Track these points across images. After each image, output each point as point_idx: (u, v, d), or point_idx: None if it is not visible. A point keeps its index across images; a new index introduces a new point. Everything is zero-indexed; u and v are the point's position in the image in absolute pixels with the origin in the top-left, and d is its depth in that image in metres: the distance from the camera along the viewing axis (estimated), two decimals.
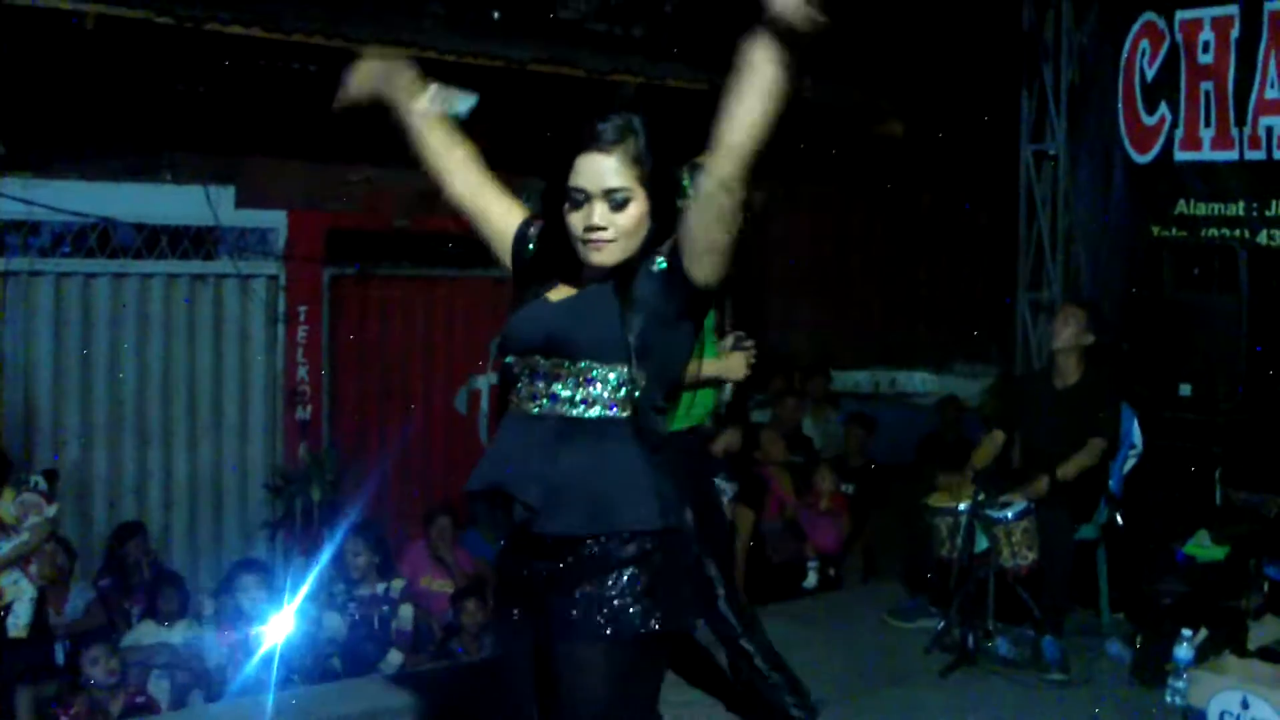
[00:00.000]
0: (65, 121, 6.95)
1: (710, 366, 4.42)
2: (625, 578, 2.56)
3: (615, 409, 2.59)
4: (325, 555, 6.62)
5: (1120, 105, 7.26)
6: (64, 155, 7.22)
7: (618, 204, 2.60)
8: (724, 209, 2.48)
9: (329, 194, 8.12)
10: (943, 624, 5.66)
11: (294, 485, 7.69)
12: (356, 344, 8.22)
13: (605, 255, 2.62)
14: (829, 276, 10.22)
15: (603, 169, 2.60)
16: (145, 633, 6.36)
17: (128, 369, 7.56)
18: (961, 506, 5.62)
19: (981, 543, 5.56)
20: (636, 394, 2.58)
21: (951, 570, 5.64)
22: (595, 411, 2.59)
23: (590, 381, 2.58)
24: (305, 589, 6.29)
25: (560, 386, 2.60)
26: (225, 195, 7.76)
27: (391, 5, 8.33)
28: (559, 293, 2.70)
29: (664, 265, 2.60)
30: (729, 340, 4.60)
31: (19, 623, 5.89)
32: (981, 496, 5.58)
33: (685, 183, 4.68)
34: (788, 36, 2.40)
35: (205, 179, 7.67)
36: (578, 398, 2.59)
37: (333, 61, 7.15)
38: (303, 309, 7.99)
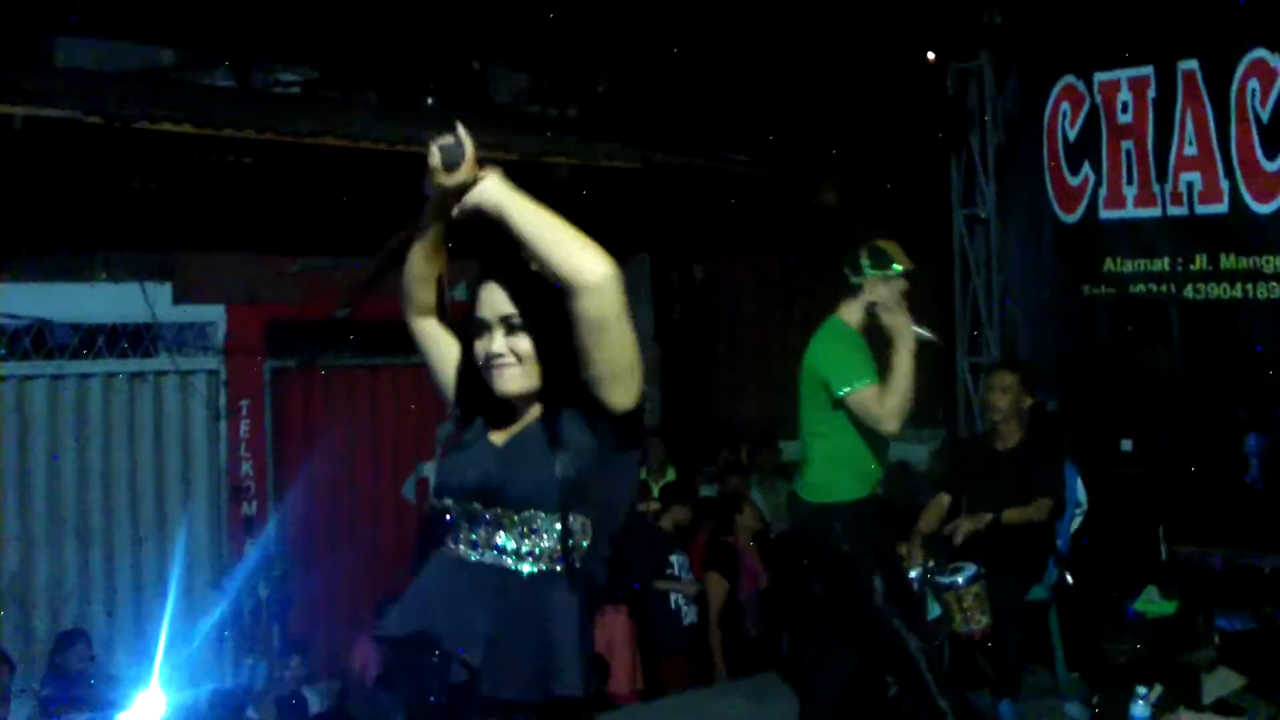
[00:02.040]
0: None
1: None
2: None
3: (558, 562, 2.50)
4: None
5: (1045, 167, 7.41)
6: None
7: (514, 328, 2.56)
8: (601, 323, 2.41)
9: (267, 286, 8.08)
10: (896, 691, 5.63)
11: (241, 583, 7.57)
12: (301, 436, 8.15)
13: (510, 382, 2.57)
14: (773, 347, 10.27)
15: (498, 298, 2.57)
16: None
17: (67, 471, 7.44)
18: (913, 574, 5.62)
19: (933, 610, 5.56)
20: (582, 543, 2.52)
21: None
22: (537, 566, 2.51)
23: (534, 532, 2.51)
24: None
25: (503, 537, 2.52)
26: (162, 291, 7.70)
27: (324, 95, 8.39)
28: (499, 435, 2.64)
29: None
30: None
31: None
32: (931, 563, 5.59)
33: (864, 261, 4.83)
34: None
35: (141, 275, 7.61)
36: (522, 549, 2.51)
37: (265, 154, 7.25)
38: (245, 403, 7.92)
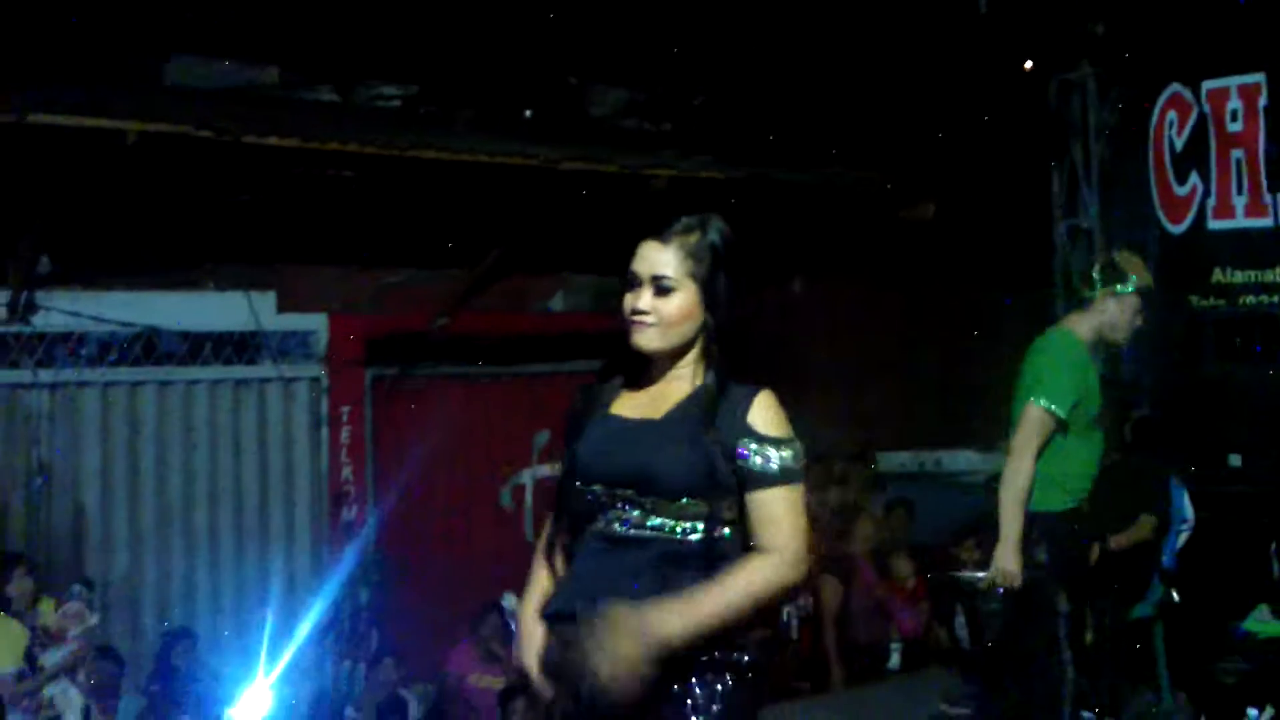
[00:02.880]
0: (109, 235, 7.10)
1: None
2: (709, 703, 2.56)
3: (713, 532, 2.60)
4: None
5: (1151, 176, 7.27)
6: (109, 267, 7.36)
7: (663, 291, 2.64)
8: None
9: (369, 296, 8.23)
10: (1000, 710, 5.54)
11: (341, 588, 7.68)
12: (400, 443, 8.26)
13: (643, 338, 2.66)
14: (868, 361, 10.19)
15: (656, 257, 2.66)
16: None
17: (174, 476, 7.62)
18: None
19: None
20: (728, 526, 2.61)
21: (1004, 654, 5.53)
22: (695, 535, 2.60)
23: (687, 517, 2.59)
24: None
25: (657, 519, 2.60)
26: (266, 301, 7.87)
27: (422, 109, 8.50)
28: (629, 406, 2.72)
29: (743, 458, 2.60)
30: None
31: None
32: None
33: (1096, 275, 4.74)
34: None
35: (246, 285, 7.79)
36: (678, 528, 2.60)
37: (366, 168, 7.37)
38: (345, 410, 8.05)
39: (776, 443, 2.61)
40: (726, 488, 2.60)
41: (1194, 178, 7.06)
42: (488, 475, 8.64)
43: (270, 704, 6.06)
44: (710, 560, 2.58)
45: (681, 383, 2.70)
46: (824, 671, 7.54)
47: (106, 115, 6.45)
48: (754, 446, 2.59)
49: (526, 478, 8.68)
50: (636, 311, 2.66)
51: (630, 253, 2.71)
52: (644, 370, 2.73)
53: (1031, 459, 4.64)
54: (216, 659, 7.37)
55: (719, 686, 2.56)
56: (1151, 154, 7.27)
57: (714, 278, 2.66)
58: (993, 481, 8.74)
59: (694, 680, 2.55)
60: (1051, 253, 7.95)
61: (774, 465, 2.58)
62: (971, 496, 8.94)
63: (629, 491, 2.62)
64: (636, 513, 2.61)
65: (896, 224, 9.33)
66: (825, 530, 7.92)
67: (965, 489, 9.23)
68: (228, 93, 7.93)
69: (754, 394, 2.64)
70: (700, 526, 2.59)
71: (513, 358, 8.61)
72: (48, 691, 5.91)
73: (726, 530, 2.61)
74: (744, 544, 2.62)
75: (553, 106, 9.07)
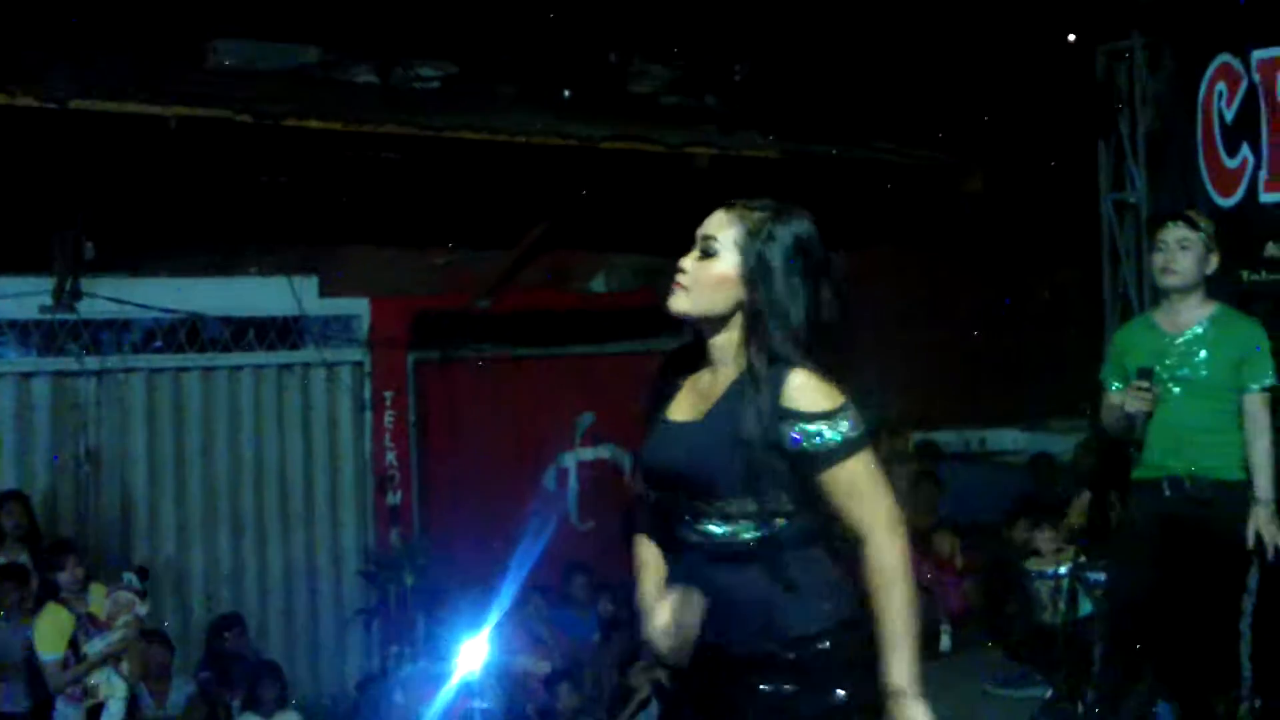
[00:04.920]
0: (153, 221, 7.13)
1: None
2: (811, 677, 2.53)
3: (767, 532, 2.55)
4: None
5: (1200, 149, 7.13)
6: (152, 254, 7.40)
7: (705, 253, 2.59)
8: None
9: (410, 279, 8.22)
10: (1050, 693, 5.49)
11: (387, 571, 7.71)
12: (443, 426, 8.27)
13: (674, 300, 2.61)
14: (916, 337, 10.10)
15: (715, 219, 2.61)
16: None
17: (220, 461, 7.67)
18: (1062, 569, 5.49)
19: (1085, 607, 5.41)
20: (783, 518, 2.55)
21: (1056, 636, 5.49)
22: (752, 534, 2.55)
23: (734, 518, 2.55)
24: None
25: (709, 523, 2.57)
26: (309, 285, 7.90)
27: (462, 89, 8.47)
28: (681, 406, 2.67)
29: (797, 444, 2.51)
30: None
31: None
32: (1083, 559, 5.44)
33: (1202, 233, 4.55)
34: None
35: (289, 270, 7.81)
36: (731, 530, 2.56)
37: (407, 149, 7.35)
38: (389, 394, 8.06)
39: (828, 416, 2.49)
40: (776, 481, 2.52)
41: (1244, 150, 6.90)
42: (532, 457, 8.63)
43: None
44: (771, 554, 2.53)
45: (726, 372, 2.62)
46: None
47: (149, 100, 6.46)
48: (805, 428, 2.49)
49: (569, 461, 8.67)
50: (678, 270, 2.60)
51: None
52: (702, 358, 2.66)
53: None
54: (264, 643, 7.45)
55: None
56: (1200, 126, 7.11)
57: (767, 257, 2.55)
58: (1039, 460, 8.71)
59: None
60: (1099, 227, 7.82)
61: (833, 440, 2.49)
62: (1017, 475, 8.89)
63: (680, 496, 2.60)
64: (689, 517, 2.59)
65: (945, 199, 9.22)
66: None
67: (1011, 468, 9.17)
68: (269, 75, 7.93)
69: (784, 376, 2.51)
70: (747, 529, 2.54)
71: (555, 339, 8.59)
72: (92, 679, 5.95)
73: (781, 522, 2.54)
74: (810, 530, 2.56)
75: (593, 84, 9.00)
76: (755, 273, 2.55)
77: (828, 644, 2.51)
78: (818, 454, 2.48)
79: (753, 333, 2.56)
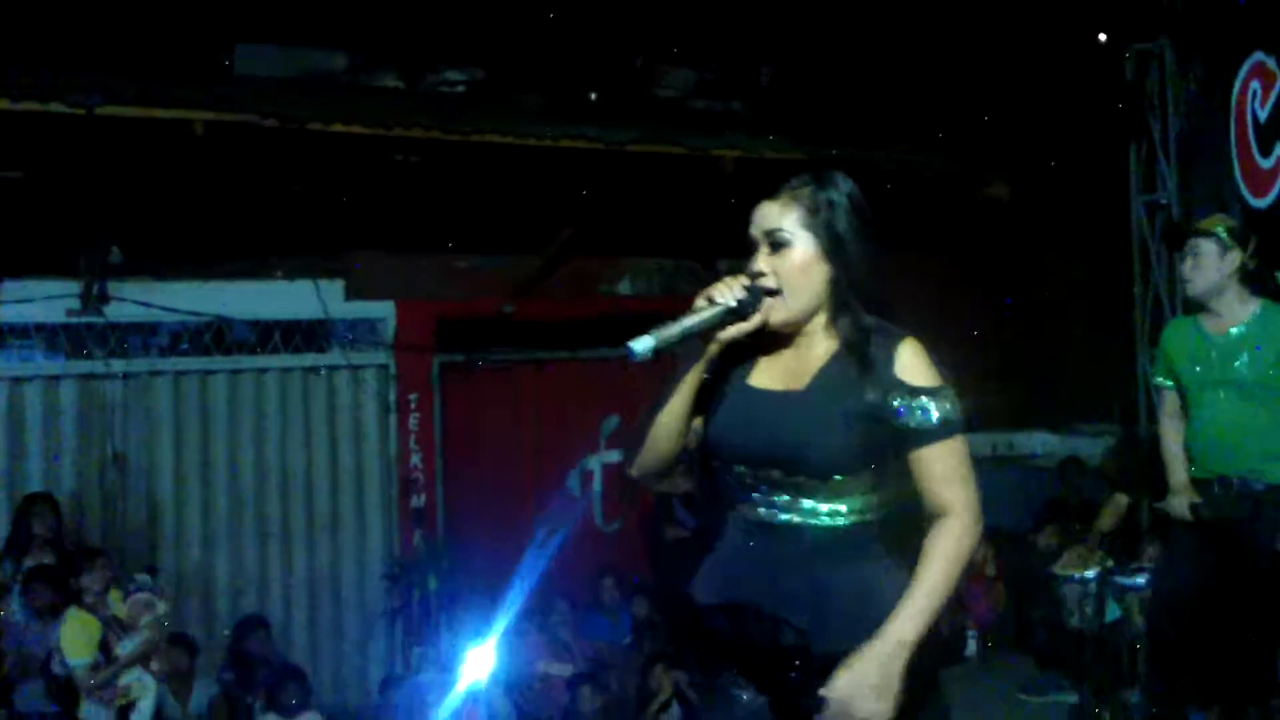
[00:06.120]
0: (179, 225, 7.16)
1: None
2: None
3: (867, 514, 2.47)
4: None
5: (1234, 150, 7.05)
6: (179, 258, 7.43)
7: (777, 246, 2.49)
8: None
9: (436, 282, 8.22)
10: (1078, 699, 5.44)
11: (411, 574, 7.71)
12: (468, 430, 8.26)
13: (774, 311, 2.49)
14: (942, 341, 10.05)
15: (767, 212, 2.52)
16: None
17: (246, 463, 7.68)
18: (1090, 574, 5.43)
19: (1113, 611, 5.35)
20: (877, 503, 2.48)
21: (1084, 641, 5.43)
22: (849, 520, 2.46)
23: (840, 495, 2.45)
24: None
25: (809, 501, 2.45)
26: (334, 288, 7.90)
27: (488, 94, 8.48)
28: (768, 375, 2.55)
29: (901, 417, 2.43)
30: None
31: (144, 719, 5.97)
32: (1110, 563, 5.38)
33: (1221, 232, 4.52)
34: None
35: (314, 274, 7.82)
36: (826, 510, 2.45)
37: (433, 153, 7.36)
38: (414, 397, 8.06)
39: (932, 393, 2.44)
40: (879, 458, 2.44)
41: (1278, 149, 6.83)
42: (556, 461, 8.61)
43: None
44: (861, 545, 2.46)
45: (817, 346, 2.52)
46: None
47: (174, 106, 6.49)
48: (910, 401, 2.42)
49: (594, 463, 8.65)
50: (755, 275, 2.48)
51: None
52: (774, 335, 2.54)
53: None
54: (288, 647, 7.45)
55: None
56: (1233, 126, 7.03)
57: (835, 227, 2.49)
58: (1068, 463, 8.63)
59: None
60: (1129, 230, 7.75)
61: (934, 418, 2.42)
62: (1045, 479, 8.80)
63: (776, 472, 2.46)
64: (785, 496, 2.46)
65: (973, 204, 9.17)
66: None
67: (1039, 471, 9.08)
68: (295, 81, 7.96)
69: (897, 343, 2.46)
70: (850, 508, 2.45)
71: (580, 342, 8.57)
72: (123, 680, 5.97)
73: (876, 509, 2.47)
74: (895, 517, 2.49)
75: (619, 88, 9.01)
76: (833, 245, 2.49)
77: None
78: (921, 429, 2.42)
79: (844, 305, 2.50)
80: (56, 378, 7.25)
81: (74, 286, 7.18)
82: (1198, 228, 4.75)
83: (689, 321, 2.41)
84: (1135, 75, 7.60)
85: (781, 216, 2.49)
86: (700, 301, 2.45)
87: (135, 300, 7.30)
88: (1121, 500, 5.99)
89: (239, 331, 7.73)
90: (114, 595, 6.14)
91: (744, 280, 2.47)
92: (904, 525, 2.50)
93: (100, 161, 6.62)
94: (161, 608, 6.12)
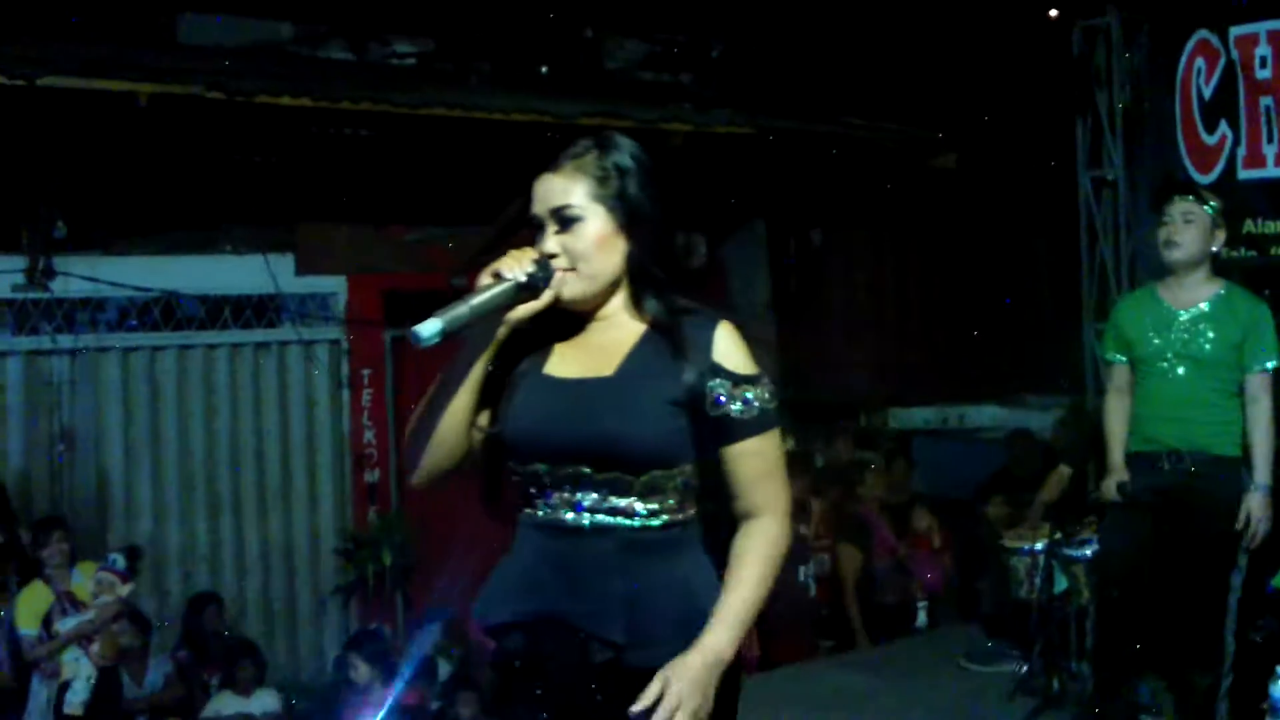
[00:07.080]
0: (126, 199, 7.07)
1: None
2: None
3: (682, 511, 2.27)
4: None
5: (1179, 126, 7.14)
6: (126, 232, 7.34)
7: (566, 223, 2.26)
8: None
9: (386, 256, 8.17)
10: (1025, 668, 5.53)
11: (364, 550, 7.69)
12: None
13: (565, 288, 2.26)
14: (889, 314, 10.13)
15: (551, 186, 2.29)
16: (224, 703, 6.40)
17: (196, 440, 7.62)
18: (1038, 546, 5.51)
19: (1061, 583, 5.44)
20: (691, 498, 2.28)
21: (1031, 612, 5.51)
22: (663, 519, 2.25)
23: (654, 491, 2.23)
24: None
25: (621, 499, 2.23)
26: (285, 263, 7.83)
27: (437, 66, 8.42)
28: (566, 363, 2.31)
29: (720, 406, 2.23)
30: None
31: (75, 700, 5.93)
32: (1058, 535, 5.47)
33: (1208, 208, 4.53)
34: None
35: (264, 248, 7.75)
36: (642, 509, 2.23)
37: (382, 126, 7.30)
38: (366, 372, 8.02)
39: (752, 381, 2.23)
40: (698, 450, 2.24)
41: (1223, 127, 6.92)
42: None
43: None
44: (677, 546, 2.26)
45: (620, 327, 2.30)
46: (848, 630, 7.53)
47: (118, 77, 6.40)
48: (731, 389, 2.22)
49: None
50: (547, 256, 2.25)
51: None
52: (566, 320, 2.32)
53: None
54: (241, 622, 7.43)
55: None
56: (1179, 102, 7.13)
57: (627, 196, 2.26)
58: (1015, 435, 8.74)
59: None
60: (1076, 204, 7.83)
61: (755, 409, 2.22)
62: (994, 451, 8.92)
63: (584, 469, 2.22)
64: (593, 495, 2.23)
65: (919, 175, 9.22)
66: (828, 492, 7.87)
67: (988, 444, 9.20)
68: (241, 50, 7.86)
69: (713, 325, 2.25)
70: (665, 505, 2.24)
71: None
72: (65, 658, 5.93)
73: (691, 506, 2.27)
74: (703, 513, 2.29)
75: (569, 60, 8.97)
76: (628, 217, 2.28)
77: None
78: (741, 420, 2.22)
79: (647, 282, 2.29)
80: (3, 354, 7.16)
81: (19, 262, 7.07)
82: (1200, 192, 4.75)
83: (476, 300, 2.22)
84: (1082, 50, 7.67)
85: (568, 190, 2.26)
86: (486, 279, 2.25)
87: (82, 275, 7.20)
88: (1065, 471, 6.08)
89: (188, 307, 7.65)
90: (85, 568, 6.07)
91: (533, 254, 2.26)
92: (710, 524, 2.33)
93: (43, 134, 6.52)
94: (124, 591, 6.05)
